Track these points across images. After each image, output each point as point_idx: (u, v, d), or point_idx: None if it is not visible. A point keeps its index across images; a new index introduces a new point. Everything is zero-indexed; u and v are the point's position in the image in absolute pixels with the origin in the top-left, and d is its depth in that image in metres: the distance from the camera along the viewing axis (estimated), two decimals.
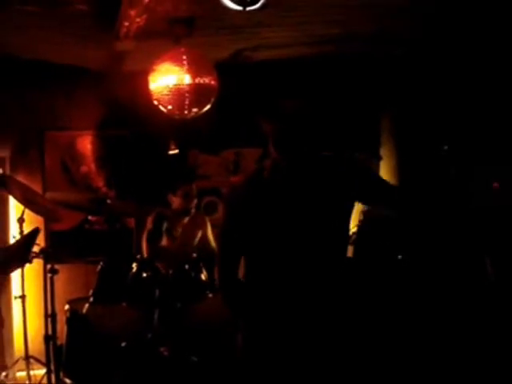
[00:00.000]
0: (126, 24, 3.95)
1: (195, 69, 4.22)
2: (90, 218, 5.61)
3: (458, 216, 3.72)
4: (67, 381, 4.47)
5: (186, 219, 5.04)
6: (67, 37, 4.55)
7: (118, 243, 5.69)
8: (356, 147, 5.69)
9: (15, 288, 5.29)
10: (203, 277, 4.47)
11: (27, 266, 4.74)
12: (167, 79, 4.25)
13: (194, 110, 4.36)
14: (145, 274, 4.40)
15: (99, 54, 5.04)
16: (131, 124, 5.66)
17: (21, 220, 4.85)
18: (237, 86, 5.38)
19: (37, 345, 4.87)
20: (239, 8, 3.28)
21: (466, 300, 4.23)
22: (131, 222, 5.81)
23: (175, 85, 4.24)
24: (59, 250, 4.95)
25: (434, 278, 4.37)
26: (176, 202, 4.99)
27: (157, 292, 4.32)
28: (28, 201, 4.55)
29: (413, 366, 4.12)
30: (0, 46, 4.77)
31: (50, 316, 4.49)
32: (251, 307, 2.75)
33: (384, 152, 6.07)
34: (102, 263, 4.48)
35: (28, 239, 4.62)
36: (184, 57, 4.20)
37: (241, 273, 2.84)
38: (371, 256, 4.74)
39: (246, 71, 5.54)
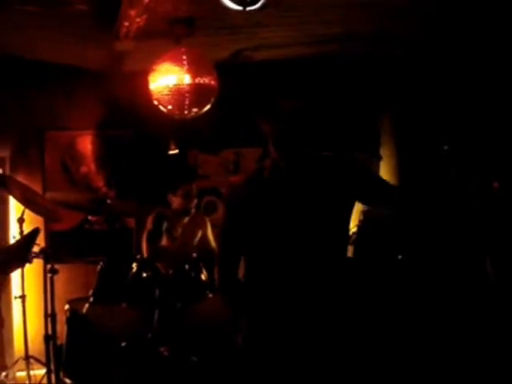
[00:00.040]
0: (126, 24, 3.95)
1: (195, 69, 4.23)
2: (90, 218, 5.60)
3: (458, 216, 3.71)
4: (67, 381, 4.47)
5: (186, 219, 5.05)
6: (67, 37, 4.55)
7: (117, 243, 5.69)
8: (356, 147, 5.69)
9: (15, 288, 5.29)
10: (203, 277, 4.47)
11: (27, 265, 4.74)
12: (167, 79, 4.25)
13: (194, 109, 4.37)
14: (145, 274, 4.40)
15: (99, 54, 5.04)
16: (131, 124, 5.67)
17: (21, 220, 4.85)
18: (237, 86, 5.38)
19: (37, 345, 4.87)
20: (239, 8, 3.28)
21: (465, 300, 4.23)
22: (131, 221, 5.81)
23: (175, 85, 4.24)
24: (59, 250, 4.95)
25: (434, 277, 4.37)
26: (176, 201, 4.99)
27: (157, 292, 4.32)
28: (28, 201, 4.55)
29: (412, 366, 4.12)
30: (1, 45, 4.77)
31: (49, 316, 4.49)
32: (251, 307, 2.75)
33: (384, 152, 6.07)
34: (101, 263, 4.47)
35: (28, 239, 4.62)
36: (184, 57, 4.20)
37: (241, 273, 2.84)
38: (371, 256, 4.74)
39: (245, 71, 5.54)
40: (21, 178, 5.15)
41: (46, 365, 4.54)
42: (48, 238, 5.55)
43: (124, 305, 4.32)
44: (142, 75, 4.41)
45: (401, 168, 5.87)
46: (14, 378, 5.15)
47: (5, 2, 3.75)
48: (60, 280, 4.68)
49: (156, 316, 4.28)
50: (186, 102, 4.27)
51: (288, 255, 2.66)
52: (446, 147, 4.85)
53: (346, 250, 2.85)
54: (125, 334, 4.24)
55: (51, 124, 5.66)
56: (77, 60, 5.30)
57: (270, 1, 3.36)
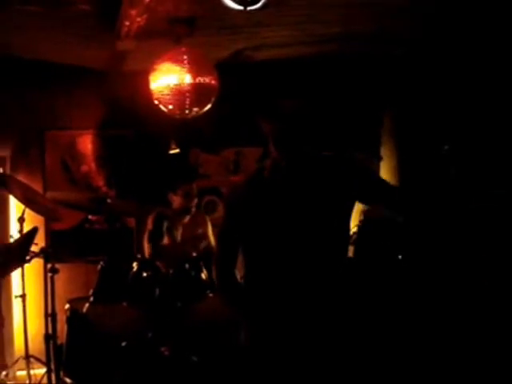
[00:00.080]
0: (127, 24, 3.96)
1: (196, 68, 4.23)
2: (90, 217, 5.61)
3: (457, 217, 3.71)
4: (67, 380, 4.47)
5: (187, 218, 5.05)
6: (68, 36, 4.55)
7: (118, 243, 5.69)
8: (356, 147, 5.69)
9: (15, 287, 5.30)
10: (203, 276, 4.47)
11: (27, 265, 4.74)
12: (168, 79, 4.26)
13: (195, 109, 4.37)
14: (145, 274, 4.40)
15: (100, 54, 5.05)
16: (132, 123, 5.67)
17: (21, 219, 4.85)
18: (237, 85, 5.38)
19: (37, 344, 4.87)
20: (240, 8, 3.28)
21: (465, 300, 4.23)
22: (131, 221, 5.82)
23: (176, 84, 4.24)
24: (59, 250, 4.95)
25: (434, 277, 4.37)
26: (176, 201, 4.99)
27: (157, 291, 4.32)
28: (28, 200, 4.55)
29: (412, 366, 4.12)
30: (1, 45, 4.77)
31: (50, 315, 4.49)
32: (251, 307, 2.75)
33: (384, 152, 6.08)
34: (102, 262, 4.47)
35: (26, 239, 4.62)
36: (185, 56, 4.20)
37: (241, 273, 2.84)
38: (371, 256, 4.74)
39: (246, 71, 5.54)
40: (21, 178, 5.16)
41: (47, 364, 4.54)
42: (48, 237, 5.56)
43: (124, 304, 4.32)
44: (143, 75, 4.41)
45: (401, 168, 5.87)
46: (15, 377, 5.16)
47: (6, 2, 3.76)
48: (60, 279, 4.68)
49: (156, 315, 4.28)
50: (187, 102, 4.27)
51: (288, 255, 2.66)
52: (446, 147, 4.85)
53: (346, 250, 2.85)
54: (125, 333, 4.24)
55: (52, 123, 5.66)
56: (77, 60, 5.31)
57: (271, 0, 3.36)
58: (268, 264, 2.71)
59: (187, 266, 4.45)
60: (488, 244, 4.34)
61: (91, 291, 4.43)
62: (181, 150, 5.75)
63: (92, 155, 5.73)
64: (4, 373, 4.91)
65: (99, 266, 4.48)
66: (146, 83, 4.37)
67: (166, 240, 4.97)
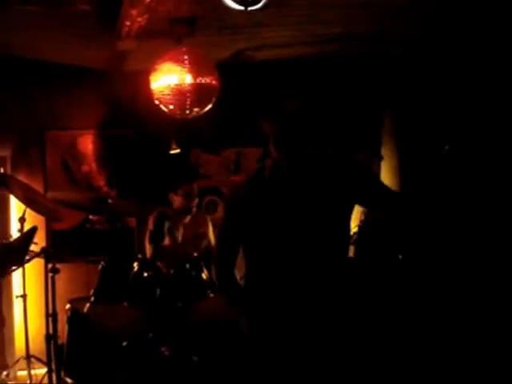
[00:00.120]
0: (128, 24, 3.96)
1: (197, 69, 4.23)
2: (91, 217, 5.61)
3: (457, 218, 3.72)
4: (68, 380, 4.47)
5: (188, 218, 5.06)
6: (69, 36, 4.55)
7: (118, 243, 5.69)
8: (357, 147, 5.69)
9: (16, 287, 5.30)
10: (204, 276, 4.47)
11: (28, 265, 4.74)
12: (169, 79, 4.25)
13: (196, 109, 4.36)
14: (146, 274, 4.40)
15: (100, 54, 5.05)
16: (132, 123, 5.67)
17: (22, 219, 4.85)
18: (238, 85, 5.38)
19: (38, 344, 4.88)
20: (241, 8, 3.28)
21: (465, 300, 4.23)
22: (132, 221, 5.82)
23: (177, 84, 4.24)
24: (60, 250, 4.95)
25: (434, 278, 4.37)
26: (177, 201, 5.00)
27: (158, 291, 4.32)
28: (29, 200, 4.55)
29: (413, 366, 4.12)
30: (2, 45, 4.77)
31: (51, 315, 4.50)
32: (252, 307, 2.75)
33: (385, 152, 6.07)
34: (103, 262, 4.48)
35: (25, 238, 4.62)
36: (185, 56, 4.20)
37: (241, 273, 2.84)
38: (372, 256, 4.74)
39: (247, 71, 5.54)
40: (22, 178, 5.16)
41: (47, 364, 4.55)
42: (49, 237, 5.56)
43: (125, 304, 4.32)
44: (144, 75, 4.41)
45: (402, 168, 5.87)
46: (15, 377, 5.17)
47: (6, 2, 3.76)
48: (61, 279, 4.69)
49: (157, 315, 4.29)
50: (188, 102, 4.27)
51: (289, 255, 2.66)
52: (446, 147, 4.85)
53: (347, 250, 2.85)
54: (126, 333, 4.24)
55: (52, 123, 5.66)
56: (78, 60, 5.31)
57: (272, 1, 3.36)
58: (268, 264, 2.71)
59: (188, 266, 4.45)
60: (488, 244, 4.34)
61: (92, 291, 4.44)
62: (181, 150, 5.75)
63: (93, 155, 5.73)
64: (5, 373, 4.91)
65: (100, 266, 4.48)
66: (147, 83, 4.37)
67: (167, 240, 4.97)
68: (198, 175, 5.79)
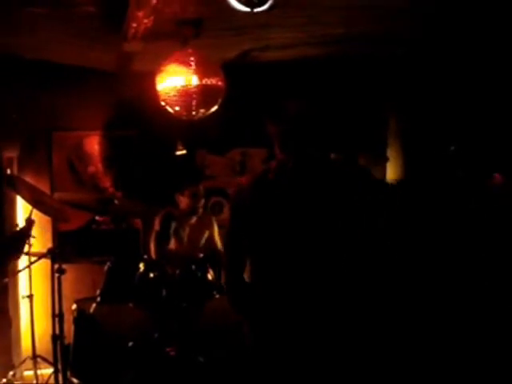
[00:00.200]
0: (134, 25, 3.96)
1: (202, 70, 4.23)
2: (97, 218, 5.62)
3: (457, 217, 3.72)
4: (74, 380, 4.48)
5: (194, 219, 5.07)
6: (75, 38, 4.57)
7: (124, 243, 5.70)
8: (362, 148, 5.69)
9: (23, 287, 5.32)
10: (210, 277, 4.48)
11: (35, 265, 4.76)
12: (175, 80, 4.26)
13: (202, 110, 4.37)
14: (152, 274, 4.41)
15: (107, 56, 5.06)
16: (138, 125, 5.69)
17: (29, 220, 4.86)
18: (243, 86, 5.39)
19: (44, 344, 4.89)
20: (247, 9, 3.28)
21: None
22: (138, 222, 5.83)
23: (183, 86, 4.24)
24: (66, 250, 4.96)
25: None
26: (183, 201, 5.01)
27: (164, 292, 4.33)
28: (36, 201, 4.57)
29: (413, 366, 4.11)
30: (9, 47, 4.79)
31: (57, 315, 4.51)
32: (257, 310, 2.75)
33: (391, 153, 6.07)
34: (109, 263, 4.49)
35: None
36: (191, 58, 4.21)
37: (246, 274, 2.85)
38: None
39: (252, 72, 5.54)
40: (29, 179, 5.17)
41: (54, 364, 4.56)
42: (55, 237, 5.58)
43: (131, 305, 4.33)
44: (150, 76, 4.41)
45: (407, 169, 5.86)
46: (22, 377, 5.18)
47: (13, 4, 3.77)
48: (67, 280, 4.70)
49: (163, 316, 4.30)
50: (194, 103, 4.28)
51: (293, 258, 2.66)
52: (452, 147, 4.84)
53: (351, 251, 2.85)
54: (132, 333, 4.25)
55: (59, 124, 5.68)
56: (84, 61, 5.33)
57: (278, 2, 3.36)
58: (273, 266, 2.71)
59: (193, 266, 4.46)
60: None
61: (98, 292, 4.45)
62: (187, 151, 5.76)
63: (99, 156, 5.75)
64: (11, 373, 4.92)
65: (106, 267, 4.49)
66: (153, 84, 4.38)
67: (172, 242, 4.98)
68: (204, 176, 5.80)
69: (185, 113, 4.37)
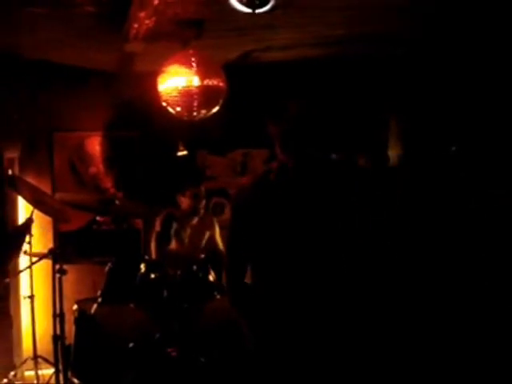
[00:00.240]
0: (136, 26, 3.97)
1: (204, 71, 4.23)
2: (98, 218, 5.62)
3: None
4: (75, 381, 4.49)
5: (195, 220, 5.07)
6: (76, 38, 4.57)
7: (125, 244, 5.70)
8: (363, 149, 5.69)
9: (24, 288, 5.32)
10: (211, 278, 4.48)
11: (35, 266, 4.76)
12: (176, 81, 4.26)
13: (203, 111, 4.37)
14: (153, 275, 4.41)
15: (108, 56, 5.06)
16: (140, 125, 5.69)
17: (29, 220, 4.86)
18: (245, 87, 5.39)
19: (45, 344, 4.89)
20: (248, 10, 3.28)
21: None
22: (138, 222, 5.83)
23: (184, 86, 4.24)
24: (67, 251, 4.96)
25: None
26: (185, 202, 5.01)
27: (165, 293, 4.33)
28: (37, 201, 4.57)
29: (413, 366, 4.11)
30: (10, 47, 4.80)
31: (58, 316, 4.51)
32: (258, 310, 2.75)
33: (391, 153, 6.07)
34: (110, 264, 4.49)
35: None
36: (193, 59, 4.21)
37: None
38: None
39: (254, 72, 5.55)
40: (30, 179, 5.17)
41: (54, 365, 4.56)
42: (56, 238, 5.58)
43: (132, 305, 4.33)
44: (151, 77, 4.41)
45: (407, 169, 5.86)
46: (23, 377, 5.18)
47: (14, 3, 3.77)
48: (68, 280, 4.70)
49: (164, 317, 4.30)
50: (195, 104, 4.28)
51: (294, 258, 2.66)
52: (453, 148, 4.84)
53: (352, 252, 2.85)
54: (132, 334, 4.25)
55: (60, 125, 5.68)
56: (85, 61, 5.33)
57: (279, 3, 3.36)
58: (273, 268, 2.71)
59: (195, 267, 4.46)
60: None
61: (99, 292, 4.46)
62: (188, 151, 5.76)
63: (100, 157, 5.75)
64: (12, 373, 4.92)
65: (107, 268, 4.49)
66: (154, 85, 4.38)
67: (173, 243, 4.98)
68: (205, 177, 5.80)
69: (186, 113, 4.37)
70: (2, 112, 5.23)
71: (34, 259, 4.71)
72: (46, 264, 4.77)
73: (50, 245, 5.21)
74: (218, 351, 4.22)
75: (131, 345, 4.20)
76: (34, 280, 5.04)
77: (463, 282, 4.30)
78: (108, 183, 5.71)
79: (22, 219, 5.25)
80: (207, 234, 5.14)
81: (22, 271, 4.96)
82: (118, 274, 4.47)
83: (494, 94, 5.12)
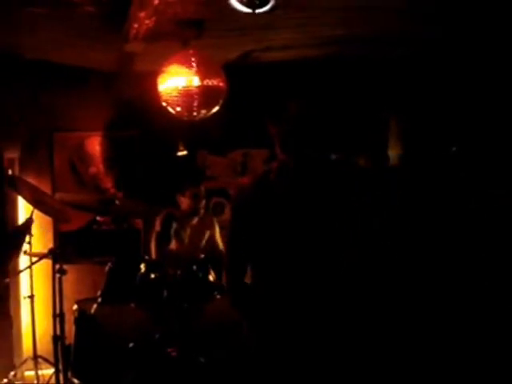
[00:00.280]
0: (136, 26, 3.97)
1: (204, 71, 4.23)
2: (98, 218, 5.63)
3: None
4: (75, 381, 4.49)
5: (195, 220, 5.07)
6: (76, 39, 4.57)
7: (125, 244, 5.71)
8: (363, 149, 5.69)
9: (24, 288, 5.32)
10: (211, 278, 4.48)
11: (35, 266, 4.76)
12: (176, 81, 4.26)
13: (203, 111, 4.37)
14: (153, 275, 4.41)
15: (108, 56, 5.06)
16: (140, 125, 5.69)
17: (29, 220, 4.87)
18: (245, 87, 5.39)
19: (45, 344, 4.89)
20: (248, 10, 3.28)
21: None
22: (138, 222, 5.83)
23: (184, 86, 4.24)
24: (67, 251, 4.96)
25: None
26: (185, 202, 5.01)
27: (165, 293, 4.33)
28: (37, 201, 4.57)
29: (413, 365, 4.11)
30: (10, 47, 4.80)
31: (58, 316, 4.51)
32: (257, 312, 2.75)
33: (391, 154, 6.07)
34: (110, 264, 4.49)
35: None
36: (193, 59, 4.21)
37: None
38: None
39: (254, 72, 5.55)
40: (30, 179, 5.18)
41: (55, 365, 4.56)
42: (56, 238, 5.58)
43: (132, 305, 4.33)
44: (151, 77, 4.41)
45: (407, 169, 5.86)
46: (23, 377, 5.18)
47: (14, 3, 3.77)
48: (68, 280, 4.70)
49: (164, 317, 4.30)
50: (195, 104, 4.28)
51: (293, 259, 2.66)
52: (453, 148, 4.84)
53: (351, 253, 2.85)
54: (133, 334, 4.25)
55: (60, 125, 5.68)
56: (85, 61, 5.33)
57: (279, 3, 3.36)
58: (273, 268, 2.71)
59: (195, 267, 4.46)
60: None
61: (99, 292, 4.46)
62: (188, 151, 5.76)
63: (100, 157, 5.75)
64: (12, 373, 4.92)
65: (107, 267, 4.49)
66: (154, 85, 4.38)
67: (173, 243, 4.98)
68: (205, 177, 5.80)
69: (186, 113, 4.37)
70: (2, 112, 5.23)
71: (34, 259, 4.72)
72: (46, 264, 4.78)
73: (50, 245, 5.21)
74: (217, 351, 4.22)
75: (131, 345, 4.20)
76: (34, 280, 5.04)
77: (463, 282, 4.31)
78: (108, 183, 5.72)
79: (22, 219, 5.25)
80: (207, 234, 5.14)
81: (22, 271, 4.97)
82: (118, 273, 4.47)
83: (494, 94, 5.12)
